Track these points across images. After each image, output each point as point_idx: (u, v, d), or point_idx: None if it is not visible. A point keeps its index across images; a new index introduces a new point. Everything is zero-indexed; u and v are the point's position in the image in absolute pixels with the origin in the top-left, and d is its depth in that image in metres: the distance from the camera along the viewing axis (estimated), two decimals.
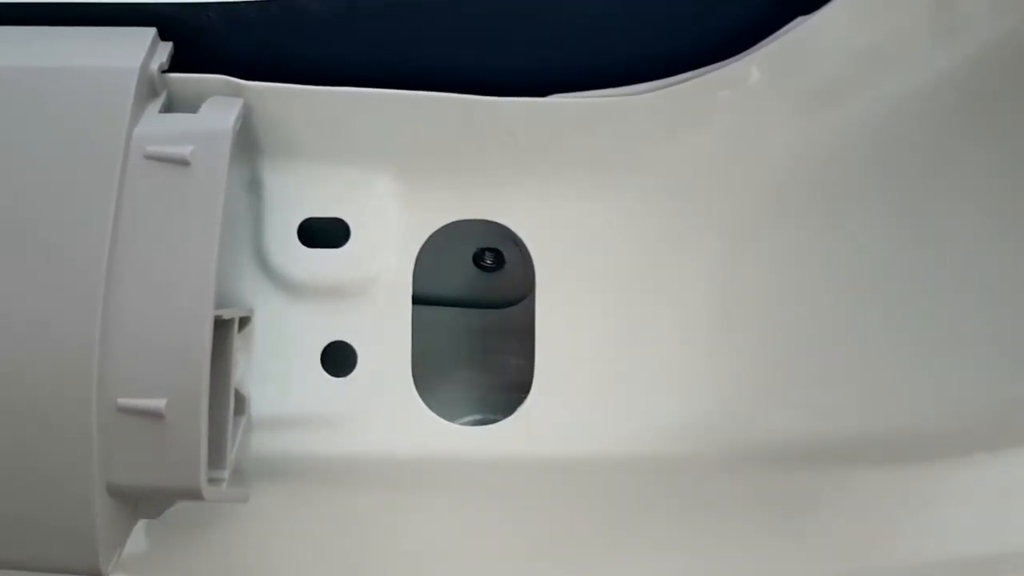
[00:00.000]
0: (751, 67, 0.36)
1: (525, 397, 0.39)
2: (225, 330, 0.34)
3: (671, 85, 0.36)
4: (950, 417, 0.37)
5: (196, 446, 0.31)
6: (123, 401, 0.31)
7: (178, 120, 0.33)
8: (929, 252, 0.38)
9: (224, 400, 0.34)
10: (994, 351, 0.37)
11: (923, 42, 0.36)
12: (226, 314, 0.34)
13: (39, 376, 0.31)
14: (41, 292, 0.31)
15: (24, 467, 0.31)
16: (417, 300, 0.38)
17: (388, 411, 0.38)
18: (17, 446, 0.31)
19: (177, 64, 0.35)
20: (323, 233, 0.38)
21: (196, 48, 0.35)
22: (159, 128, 0.33)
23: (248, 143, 0.37)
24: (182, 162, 0.32)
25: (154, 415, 0.31)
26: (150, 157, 0.32)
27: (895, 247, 0.38)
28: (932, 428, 0.37)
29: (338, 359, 0.38)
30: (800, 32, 0.35)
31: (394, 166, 0.37)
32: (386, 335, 0.38)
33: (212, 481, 0.33)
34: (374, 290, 0.38)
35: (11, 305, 0.31)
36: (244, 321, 0.37)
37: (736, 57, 0.36)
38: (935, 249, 0.38)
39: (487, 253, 0.44)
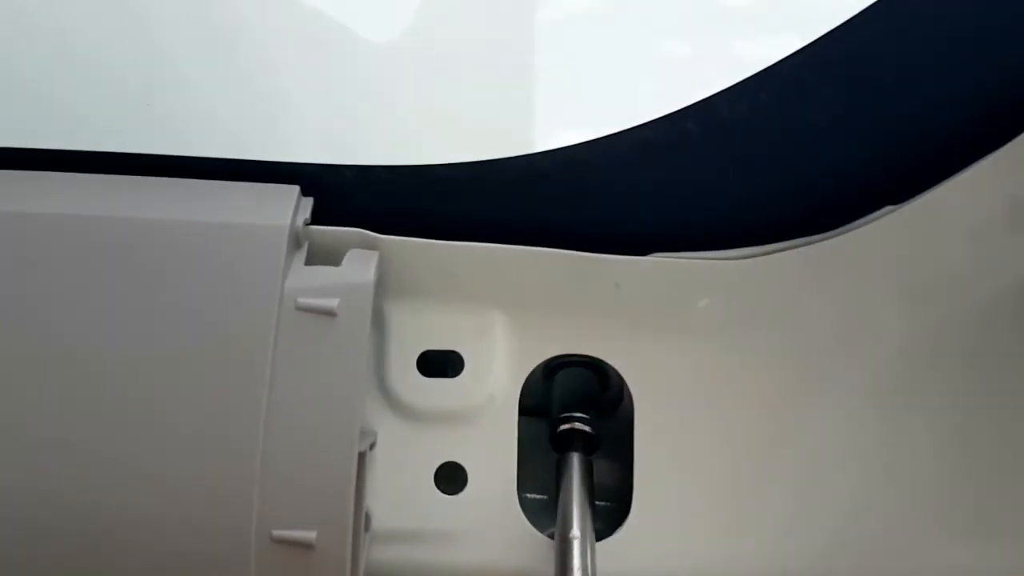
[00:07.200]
0: (855, 243, 0.39)
1: (617, 506, 0.42)
2: (361, 461, 0.37)
3: (764, 254, 0.40)
4: None
5: (341, 571, 0.35)
6: (278, 533, 0.34)
7: (323, 273, 0.37)
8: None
9: (358, 522, 0.37)
10: None
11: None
12: (362, 446, 0.37)
13: (204, 511, 0.34)
14: (206, 435, 0.35)
15: None
16: (520, 412, 0.42)
17: (495, 527, 0.41)
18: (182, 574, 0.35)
19: (314, 215, 0.39)
20: (440, 364, 0.41)
21: (331, 202, 0.39)
22: (307, 281, 0.36)
23: (376, 285, 0.40)
24: (329, 313, 0.36)
25: (305, 545, 0.35)
26: (301, 308, 0.36)
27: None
28: None
29: (450, 478, 0.41)
30: (896, 216, 0.39)
31: (506, 307, 0.41)
32: (494, 457, 0.41)
33: None
34: (484, 415, 0.41)
35: (178, 448, 0.35)
36: (370, 446, 0.40)
37: (828, 234, 0.39)
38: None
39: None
